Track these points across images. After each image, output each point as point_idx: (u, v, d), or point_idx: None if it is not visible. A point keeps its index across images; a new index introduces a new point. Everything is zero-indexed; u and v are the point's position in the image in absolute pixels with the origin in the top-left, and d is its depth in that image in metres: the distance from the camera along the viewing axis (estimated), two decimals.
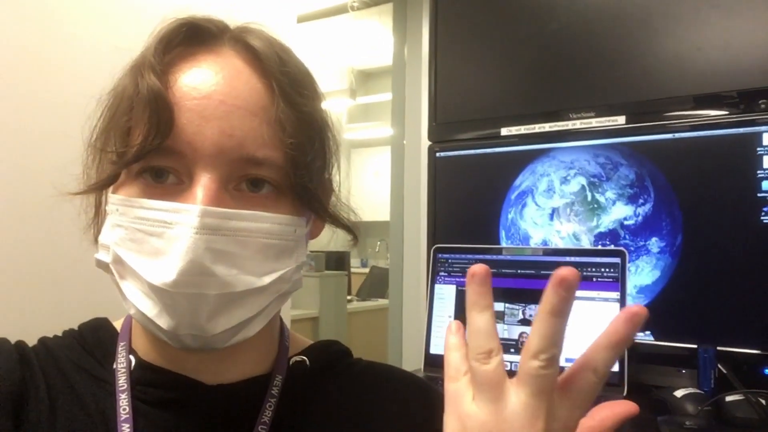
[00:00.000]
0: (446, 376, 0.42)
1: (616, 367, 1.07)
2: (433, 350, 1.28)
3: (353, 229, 0.60)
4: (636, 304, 0.38)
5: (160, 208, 0.48)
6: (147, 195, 0.49)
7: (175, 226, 0.46)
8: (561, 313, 0.37)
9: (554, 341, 0.37)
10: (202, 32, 0.52)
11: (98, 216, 0.55)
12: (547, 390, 0.37)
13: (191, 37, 0.52)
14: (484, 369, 0.39)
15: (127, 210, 0.49)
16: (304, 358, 0.59)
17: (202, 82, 0.49)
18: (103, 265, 0.52)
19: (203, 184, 0.47)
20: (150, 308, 0.48)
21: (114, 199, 0.50)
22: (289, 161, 0.50)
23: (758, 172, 1.16)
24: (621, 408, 0.43)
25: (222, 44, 0.53)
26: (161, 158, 0.48)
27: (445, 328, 0.44)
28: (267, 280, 0.50)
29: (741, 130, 1.19)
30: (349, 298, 4.32)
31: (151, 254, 0.47)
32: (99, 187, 0.52)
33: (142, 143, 0.47)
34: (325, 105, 0.58)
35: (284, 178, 0.51)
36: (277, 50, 0.53)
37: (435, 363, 1.26)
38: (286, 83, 0.51)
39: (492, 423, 0.38)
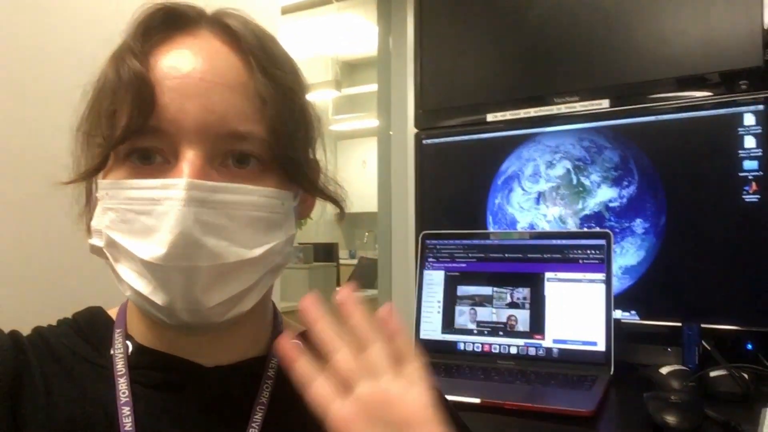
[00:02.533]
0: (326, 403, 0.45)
1: (603, 347, 1.09)
2: (423, 335, 1.29)
3: (340, 202, 0.61)
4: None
5: (147, 186, 0.48)
6: (135, 177, 0.50)
7: (163, 202, 0.47)
8: None
9: None
10: (180, 16, 0.53)
11: (90, 204, 0.55)
12: None
13: (169, 22, 0.53)
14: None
15: (116, 192, 0.50)
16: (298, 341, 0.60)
17: (182, 62, 0.50)
18: (97, 250, 0.52)
19: (188, 159, 0.48)
20: (144, 286, 0.48)
21: (103, 184, 0.51)
22: (272, 133, 0.51)
23: (740, 151, 1.17)
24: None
25: (200, 27, 0.54)
26: (146, 138, 0.49)
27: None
28: (258, 251, 0.51)
29: (723, 111, 1.20)
30: (338, 289, 4.33)
31: (142, 232, 0.48)
32: (89, 174, 0.52)
33: (127, 123, 0.48)
34: (306, 89, 0.58)
35: (268, 151, 0.51)
36: (254, 29, 0.54)
37: (425, 348, 1.27)
38: (263, 58, 0.52)
39: None
